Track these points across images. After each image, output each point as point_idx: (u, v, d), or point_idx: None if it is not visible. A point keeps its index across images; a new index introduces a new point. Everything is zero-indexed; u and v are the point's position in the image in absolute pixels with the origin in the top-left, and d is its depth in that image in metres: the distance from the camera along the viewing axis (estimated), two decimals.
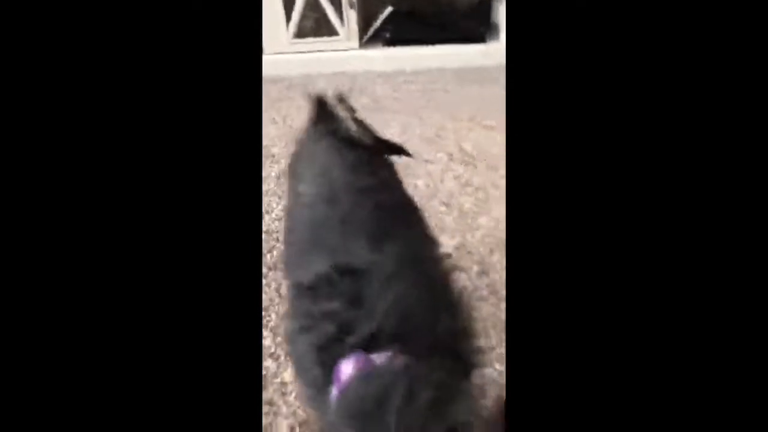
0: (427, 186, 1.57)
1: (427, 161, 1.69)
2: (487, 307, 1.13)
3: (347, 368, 0.45)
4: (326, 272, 0.52)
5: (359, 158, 0.73)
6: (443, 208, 1.46)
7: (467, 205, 1.48)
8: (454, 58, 2.61)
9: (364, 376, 0.42)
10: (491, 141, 1.82)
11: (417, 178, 1.60)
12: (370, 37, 2.69)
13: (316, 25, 2.59)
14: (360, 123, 0.83)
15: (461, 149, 1.78)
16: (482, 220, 1.41)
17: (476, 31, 2.68)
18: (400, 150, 0.88)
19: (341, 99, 0.84)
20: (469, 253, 1.29)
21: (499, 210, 1.44)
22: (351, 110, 0.83)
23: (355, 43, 2.61)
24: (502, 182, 1.57)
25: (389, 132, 1.76)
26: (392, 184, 0.77)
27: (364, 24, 2.66)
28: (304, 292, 0.53)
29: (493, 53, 2.66)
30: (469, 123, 1.96)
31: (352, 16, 2.53)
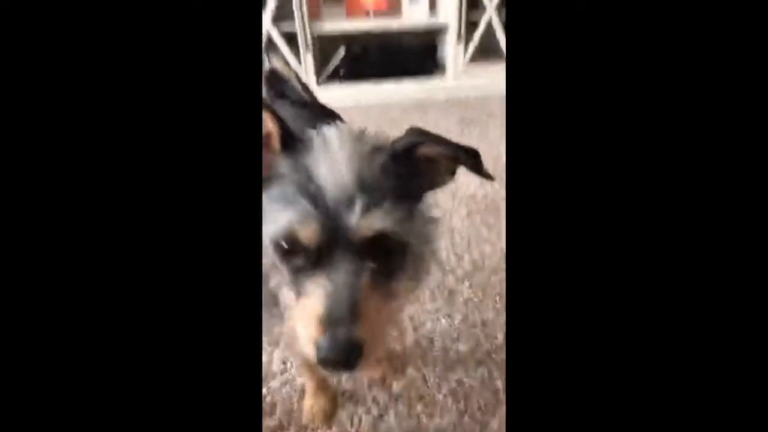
0: None
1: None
2: None
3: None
4: None
5: (308, 116, 0.96)
6: None
7: None
8: (404, 93, 2.84)
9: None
10: None
11: None
12: (327, 76, 2.90)
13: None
14: (300, 81, 1.16)
15: None
16: None
17: (424, 68, 2.93)
18: (332, 114, 1.11)
19: (286, 62, 1.15)
20: None
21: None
22: (294, 71, 1.16)
23: (313, 81, 2.81)
24: None
25: None
26: None
27: (320, 64, 2.87)
28: None
29: (439, 87, 2.91)
30: None
31: (308, 57, 2.74)
